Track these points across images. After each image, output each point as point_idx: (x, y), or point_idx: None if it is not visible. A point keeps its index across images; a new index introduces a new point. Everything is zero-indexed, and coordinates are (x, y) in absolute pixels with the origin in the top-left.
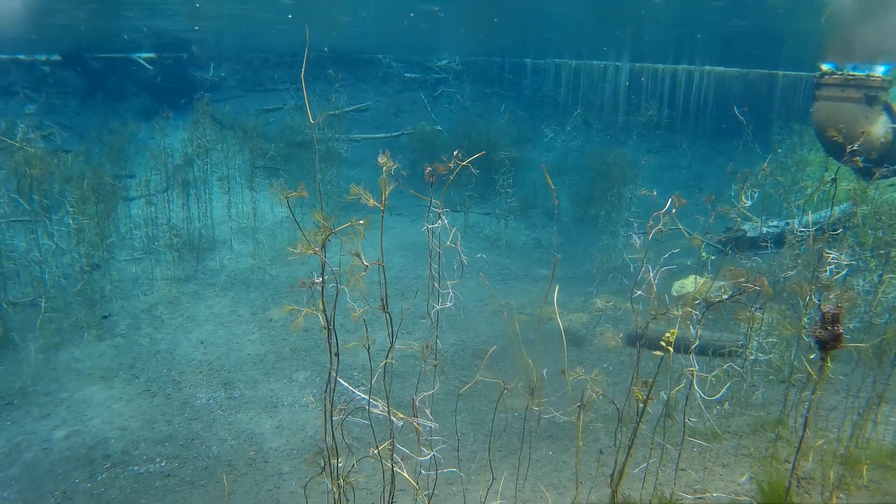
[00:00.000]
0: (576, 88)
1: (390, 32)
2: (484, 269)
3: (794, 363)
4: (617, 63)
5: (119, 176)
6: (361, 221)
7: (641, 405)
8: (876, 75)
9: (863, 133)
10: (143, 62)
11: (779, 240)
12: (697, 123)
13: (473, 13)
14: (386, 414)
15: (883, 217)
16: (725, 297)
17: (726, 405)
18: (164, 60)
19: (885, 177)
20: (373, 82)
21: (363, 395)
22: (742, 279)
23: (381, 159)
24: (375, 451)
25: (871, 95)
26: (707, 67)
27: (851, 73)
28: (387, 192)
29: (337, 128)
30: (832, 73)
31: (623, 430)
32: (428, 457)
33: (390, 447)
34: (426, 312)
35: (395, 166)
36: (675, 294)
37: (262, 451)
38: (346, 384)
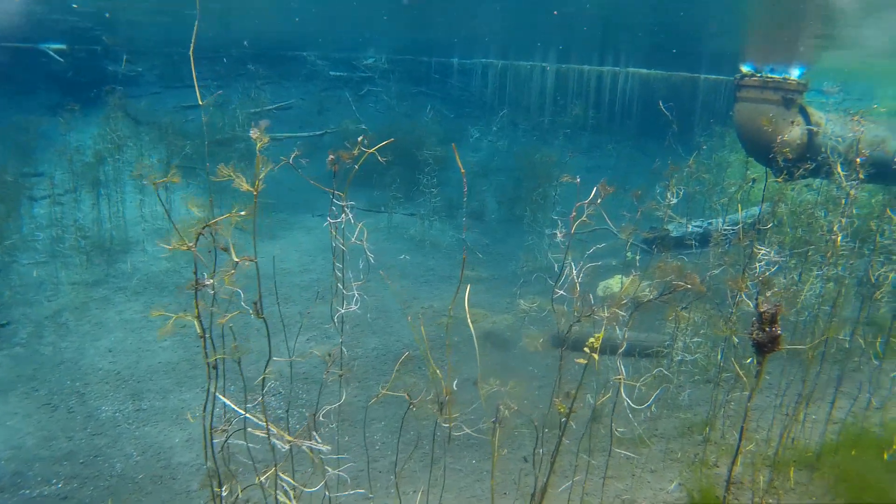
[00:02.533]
0: (502, 89)
1: (315, 28)
2: (408, 270)
3: (721, 363)
4: (543, 64)
5: (24, 174)
6: (243, 213)
7: (564, 419)
8: (792, 78)
9: (790, 124)
10: (53, 54)
11: (703, 239)
12: (623, 125)
13: None
14: (291, 428)
15: (802, 216)
16: (654, 296)
17: (653, 408)
18: (77, 53)
19: (803, 177)
20: (297, 80)
21: (254, 414)
22: (671, 277)
23: (254, 133)
24: (260, 479)
25: (788, 98)
26: (631, 69)
27: (769, 75)
28: (262, 175)
29: (258, 125)
30: (751, 76)
31: (549, 441)
32: (318, 487)
33: (284, 474)
34: (348, 316)
35: (296, 154)
36: (601, 294)
37: (171, 466)
38: (227, 401)
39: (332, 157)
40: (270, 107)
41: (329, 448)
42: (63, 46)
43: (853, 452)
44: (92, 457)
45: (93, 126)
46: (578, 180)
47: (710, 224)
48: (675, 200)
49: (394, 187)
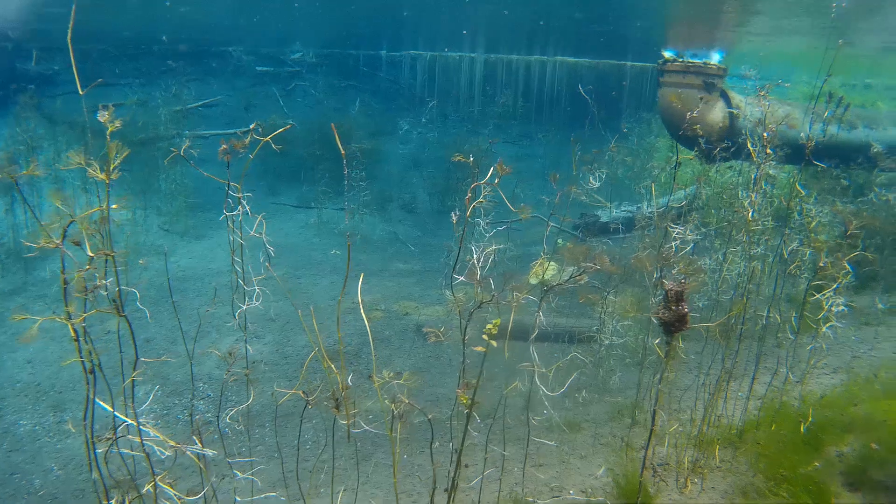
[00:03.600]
0: (431, 80)
1: (240, 22)
2: (338, 265)
3: (648, 345)
4: (472, 54)
5: None
6: (114, 206)
7: (467, 411)
8: (712, 63)
9: (701, 102)
10: None
11: (630, 223)
12: (552, 114)
13: None
14: (192, 438)
15: (724, 197)
16: (565, 279)
17: (584, 392)
18: None
19: (725, 159)
20: (223, 76)
21: (144, 421)
22: (581, 259)
23: (102, 117)
24: (148, 489)
25: (709, 82)
26: (559, 58)
27: (690, 60)
28: (118, 161)
29: (182, 124)
30: (674, 60)
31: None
32: (199, 496)
33: (168, 483)
34: (278, 314)
35: (186, 146)
36: (533, 281)
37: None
38: (107, 407)
39: (224, 146)
40: (195, 104)
41: (215, 453)
42: None
43: (773, 427)
44: (7, 475)
45: (3, 127)
46: (472, 159)
47: (639, 208)
48: (597, 184)
49: (323, 182)
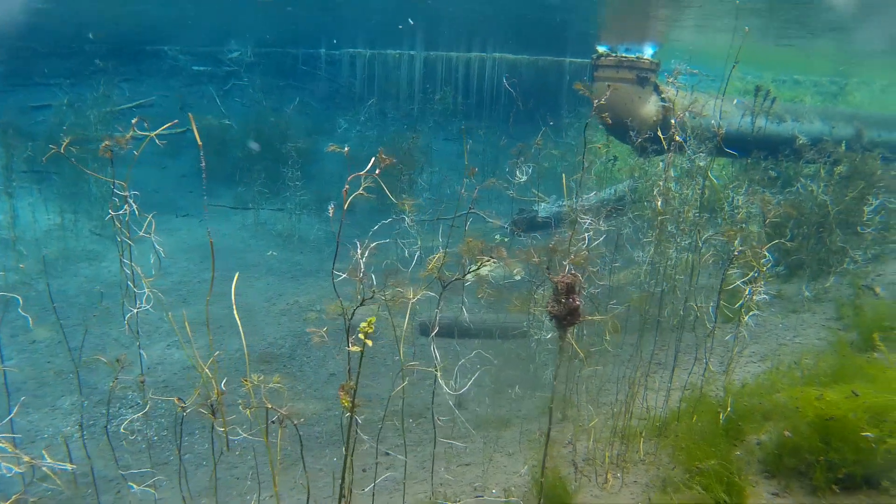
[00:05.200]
0: (371, 78)
1: (175, 19)
2: (274, 266)
3: (578, 339)
4: (411, 52)
5: None
6: None
7: (349, 414)
8: (645, 57)
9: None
10: None
11: (560, 218)
12: (492, 110)
13: None
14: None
15: (655, 190)
16: (471, 273)
17: (517, 388)
18: None
19: (659, 153)
20: (158, 76)
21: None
22: (478, 253)
23: None
24: None
25: (642, 76)
26: (498, 55)
27: (624, 55)
28: None
29: (112, 125)
30: (607, 55)
31: (409, 430)
32: None
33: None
34: (212, 317)
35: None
36: (469, 279)
37: (8, 497)
38: None
39: (107, 142)
40: (127, 105)
41: (74, 467)
42: None
43: (694, 418)
44: None
45: None
46: (347, 149)
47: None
48: (523, 178)
49: (259, 183)
